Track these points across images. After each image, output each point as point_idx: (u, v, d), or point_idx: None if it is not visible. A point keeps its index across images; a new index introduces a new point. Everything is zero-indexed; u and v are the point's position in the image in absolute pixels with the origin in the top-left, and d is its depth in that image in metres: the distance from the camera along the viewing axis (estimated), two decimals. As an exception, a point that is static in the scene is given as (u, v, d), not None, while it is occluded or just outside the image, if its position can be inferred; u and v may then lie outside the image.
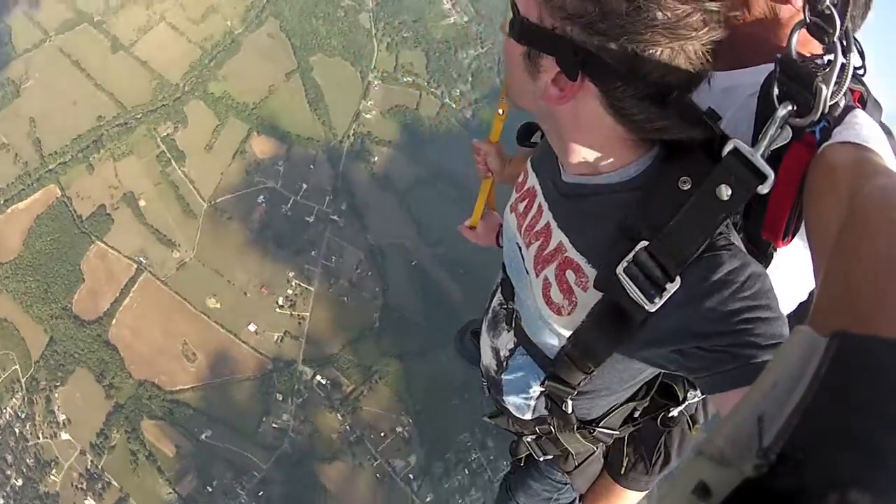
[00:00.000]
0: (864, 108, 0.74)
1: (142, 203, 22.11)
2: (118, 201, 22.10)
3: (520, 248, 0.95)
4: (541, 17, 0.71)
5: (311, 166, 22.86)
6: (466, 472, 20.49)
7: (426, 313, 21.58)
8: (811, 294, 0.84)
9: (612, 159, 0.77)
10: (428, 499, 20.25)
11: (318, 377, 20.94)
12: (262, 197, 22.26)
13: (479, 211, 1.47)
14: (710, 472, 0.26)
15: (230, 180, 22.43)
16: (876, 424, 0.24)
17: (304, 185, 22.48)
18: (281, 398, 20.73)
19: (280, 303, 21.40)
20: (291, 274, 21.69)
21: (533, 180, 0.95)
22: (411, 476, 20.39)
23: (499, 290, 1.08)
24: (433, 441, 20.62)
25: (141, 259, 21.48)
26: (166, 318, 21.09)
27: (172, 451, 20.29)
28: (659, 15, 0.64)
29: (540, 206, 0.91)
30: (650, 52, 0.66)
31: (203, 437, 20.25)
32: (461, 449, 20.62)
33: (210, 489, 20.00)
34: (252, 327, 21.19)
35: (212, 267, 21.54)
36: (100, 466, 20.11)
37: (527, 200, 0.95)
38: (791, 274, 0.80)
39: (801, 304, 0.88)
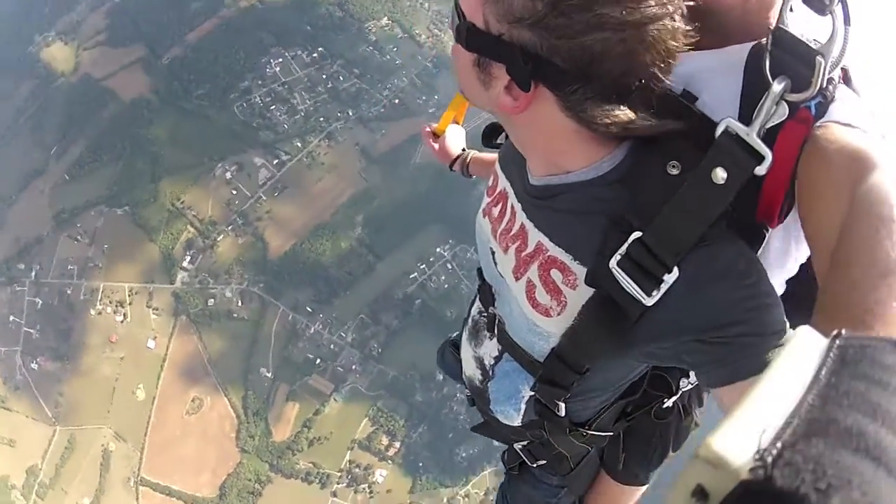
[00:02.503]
0: (848, 85, 0.74)
1: None
2: None
3: (493, 252, 0.94)
4: (487, 23, 0.68)
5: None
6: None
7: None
8: (798, 279, 0.85)
9: (580, 156, 0.74)
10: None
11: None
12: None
13: (446, 120, 1.43)
14: (708, 475, 0.26)
15: None
16: (874, 425, 0.25)
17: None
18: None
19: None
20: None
21: (503, 182, 0.93)
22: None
23: (477, 299, 1.07)
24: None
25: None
26: None
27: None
28: (611, 7, 0.60)
29: (513, 207, 0.88)
30: (605, 48, 0.62)
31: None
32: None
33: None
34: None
35: None
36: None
37: (500, 204, 0.93)
38: (776, 256, 0.82)
39: (787, 289, 0.86)
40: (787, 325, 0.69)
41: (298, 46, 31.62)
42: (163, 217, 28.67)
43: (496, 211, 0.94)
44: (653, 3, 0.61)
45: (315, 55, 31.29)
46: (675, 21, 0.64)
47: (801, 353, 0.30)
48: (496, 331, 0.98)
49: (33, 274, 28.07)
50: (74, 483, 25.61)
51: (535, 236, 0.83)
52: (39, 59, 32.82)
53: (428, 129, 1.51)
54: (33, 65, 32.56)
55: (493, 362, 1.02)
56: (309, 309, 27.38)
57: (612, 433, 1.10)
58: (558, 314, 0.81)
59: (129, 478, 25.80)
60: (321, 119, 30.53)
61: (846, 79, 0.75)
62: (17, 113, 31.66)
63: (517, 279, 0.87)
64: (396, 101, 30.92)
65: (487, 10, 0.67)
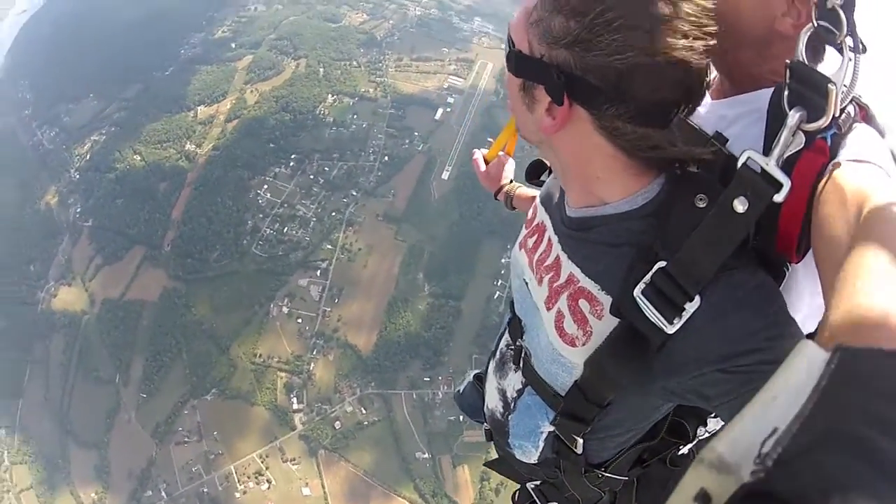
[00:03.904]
0: (870, 123, 0.78)
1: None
2: None
3: (527, 283, 1.00)
4: (531, 48, 0.75)
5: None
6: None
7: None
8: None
9: (616, 189, 0.80)
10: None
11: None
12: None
13: (497, 147, 1.49)
14: (710, 479, 0.28)
15: None
16: (875, 430, 0.26)
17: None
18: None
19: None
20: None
21: (542, 215, 1.00)
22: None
23: (506, 332, 1.12)
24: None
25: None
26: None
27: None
28: (640, 30, 0.67)
29: (549, 240, 0.94)
30: (636, 68, 0.68)
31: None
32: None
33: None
34: None
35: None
36: None
37: (536, 236, 0.99)
38: (802, 295, 0.83)
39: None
40: None
41: (273, 165, 33.37)
42: (250, 379, 29.73)
43: (531, 242, 1.00)
44: (679, 37, 0.67)
45: (292, 164, 33.08)
46: (700, 43, 0.69)
47: (802, 364, 0.32)
48: (521, 363, 1.02)
49: (163, 493, 29.01)
50: None
51: (569, 267, 0.88)
52: (54, 312, 34.40)
53: (477, 157, 1.56)
54: (51, 319, 34.14)
55: (515, 395, 1.06)
56: (426, 378, 28.20)
57: (626, 478, 1.11)
58: (583, 344, 0.84)
59: None
60: (333, 214, 31.99)
61: (867, 117, 0.79)
62: (63, 369, 33.08)
63: (548, 309, 0.91)
64: (386, 158, 32.52)
65: (531, 34, 0.75)
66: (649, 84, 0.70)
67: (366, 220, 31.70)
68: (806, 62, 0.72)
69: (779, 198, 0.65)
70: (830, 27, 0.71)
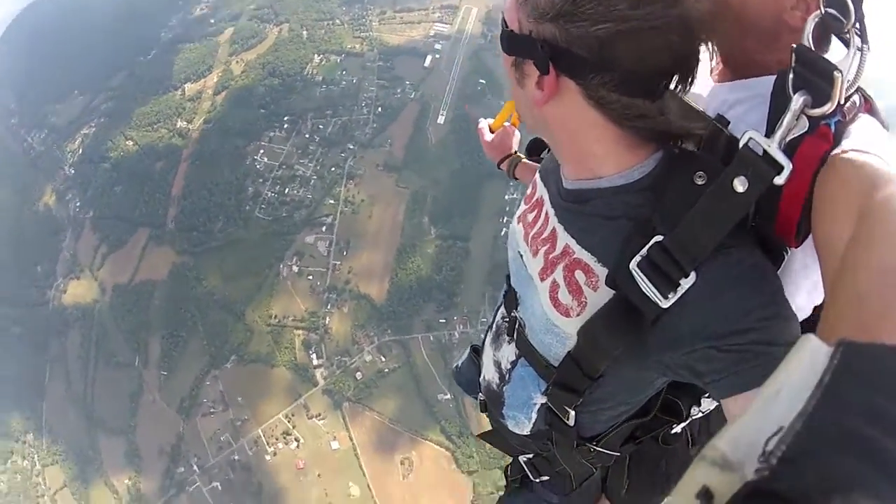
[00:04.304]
0: (874, 115, 0.79)
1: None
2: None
3: (522, 256, 1.04)
4: (520, 26, 0.79)
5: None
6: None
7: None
8: (815, 309, 0.90)
9: (611, 162, 0.82)
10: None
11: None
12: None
13: (502, 117, 1.52)
14: (713, 477, 0.28)
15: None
16: (878, 428, 0.26)
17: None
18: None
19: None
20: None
21: (541, 191, 1.02)
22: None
23: (502, 305, 1.15)
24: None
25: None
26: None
27: None
28: (620, 1, 0.69)
29: (547, 213, 0.97)
30: (617, 36, 0.71)
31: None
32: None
33: None
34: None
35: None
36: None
37: (535, 211, 1.02)
38: (802, 279, 0.86)
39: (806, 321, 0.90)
40: None
41: (267, 130, 33.70)
42: (268, 341, 30.44)
43: (531, 217, 1.03)
44: (658, 5, 0.69)
45: (286, 126, 33.40)
46: (680, 22, 0.71)
47: (805, 359, 0.32)
48: (515, 335, 1.06)
49: (195, 466, 30.08)
50: None
51: (565, 239, 0.91)
52: (66, 307, 35.30)
53: (482, 126, 1.57)
54: (64, 315, 35.06)
55: (509, 366, 1.10)
56: (442, 320, 28.82)
57: (618, 454, 1.14)
58: (578, 314, 0.87)
59: (389, 570, 27.26)
60: (333, 169, 32.38)
61: (871, 110, 0.81)
62: (82, 361, 34.11)
63: (542, 280, 0.94)
64: (379, 109, 32.75)
65: (521, 13, 0.79)
66: (632, 52, 0.72)
67: (366, 172, 32.02)
68: (812, 48, 0.73)
69: (779, 180, 0.66)
70: (838, 15, 0.73)
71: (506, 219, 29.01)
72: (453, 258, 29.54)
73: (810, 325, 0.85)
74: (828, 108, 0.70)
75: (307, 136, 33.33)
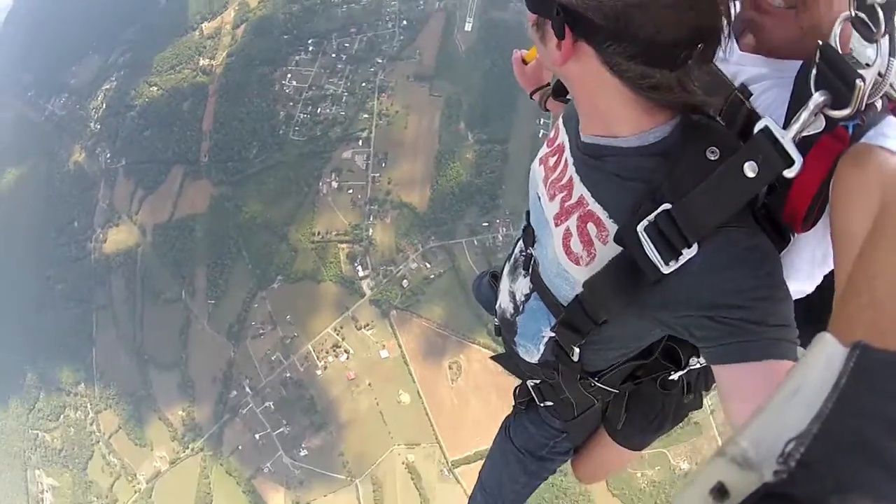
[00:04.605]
0: None
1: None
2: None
3: (540, 198, 1.10)
4: None
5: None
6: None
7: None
8: (817, 290, 0.95)
9: (626, 123, 0.87)
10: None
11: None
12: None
13: (536, 50, 1.56)
14: (731, 474, 0.29)
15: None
16: (892, 437, 0.28)
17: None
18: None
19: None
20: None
21: (563, 136, 1.07)
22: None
23: (521, 239, 1.23)
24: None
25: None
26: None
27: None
28: None
29: (566, 160, 1.03)
30: (630, 9, 0.74)
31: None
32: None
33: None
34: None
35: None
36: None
37: (556, 156, 1.07)
38: (804, 262, 0.90)
39: (805, 299, 0.95)
40: (794, 323, 0.81)
41: (292, 55, 34.20)
42: (313, 258, 31.80)
43: (552, 161, 1.09)
44: None
45: (311, 48, 33.85)
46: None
47: (822, 358, 0.34)
48: (531, 270, 1.14)
49: (247, 388, 31.97)
50: (398, 510, 28.61)
51: (580, 190, 0.97)
52: (108, 255, 36.86)
53: (516, 56, 1.58)
54: (107, 264, 36.72)
55: (523, 299, 1.19)
56: (485, 224, 29.64)
57: (617, 392, 1.24)
58: (586, 264, 0.95)
59: (441, 471, 28.78)
60: (363, 84, 32.95)
61: None
62: (129, 304, 35.93)
63: (557, 225, 1.02)
64: (404, 22, 32.98)
65: None
66: (648, 25, 0.75)
67: (397, 84, 32.43)
68: (839, 49, 0.76)
69: (789, 174, 0.71)
70: (868, 21, 0.74)
71: (542, 120, 29.38)
72: (492, 161, 30.12)
73: (812, 304, 0.93)
74: (846, 112, 0.74)
75: (333, 55, 33.69)
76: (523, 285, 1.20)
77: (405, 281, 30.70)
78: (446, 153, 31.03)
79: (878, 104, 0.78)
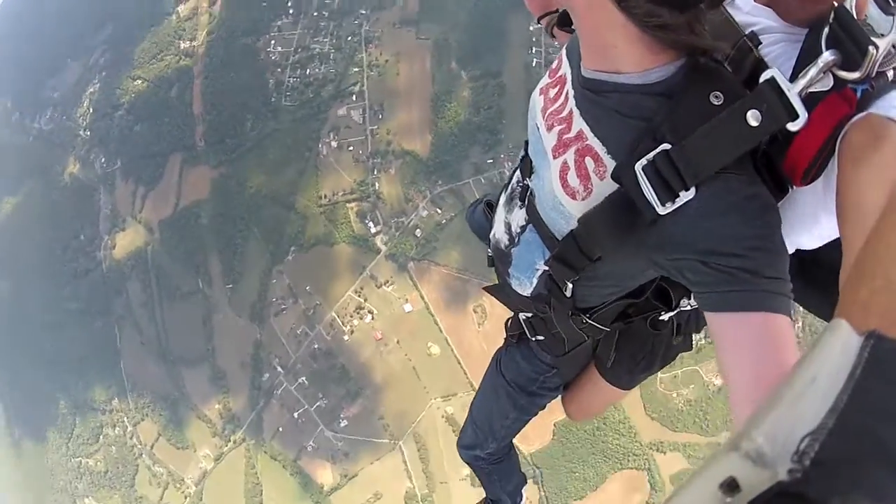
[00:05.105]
0: None
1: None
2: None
3: (538, 128, 1.10)
4: None
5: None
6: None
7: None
8: (817, 263, 0.98)
9: (630, 59, 0.87)
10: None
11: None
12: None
13: None
14: (745, 470, 0.30)
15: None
16: None
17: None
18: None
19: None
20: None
21: (565, 67, 1.07)
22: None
23: (518, 169, 1.24)
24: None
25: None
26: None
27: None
28: None
29: (567, 93, 1.03)
30: None
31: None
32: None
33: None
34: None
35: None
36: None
37: (557, 87, 1.08)
38: (802, 218, 0.92)
39: (797, 254, 0.98)
40: (788, 277, 0.82)
41: (274, 20, 34.63)
42: (323, 222, 32.53)
43: (553, 92, 1.09)
44: None
45: (291, 11, 34.24)
46: None
47: (837, 346, 0.34)
48: (527, 202, 1.16)
49: (278, 368, 32.90)
50: (444, 466, 29.44)
51: (580, 124, 0.98)
52: (119, 261, 37.67)
53: None
54: (120, 270, 37.53)
55: (519, 230, 1.21)
56: (489, 161, 30.09)
57: (608, 330, 1.27)
58: (583, 199, 0.96)
59: (482, 417, 29.84)
60: (349, 38, 33.33)
61: None
62: (147, 307, 36.75)
63: (554, 157, 1.03)
64: None
65: None
66: None
67: (384, 33, 32.68)
68: (854, 14, 0.77)
69: (793, 127, 0.73)
70: None
71: (535, 49, 29.49)
72: (489, 96, 30.35)
73: (804, 260, 0.97)
74: (856, 75, 0.76)
75: (315, 14, 34.02)
76: (519, 217, 1.22)
77: (418, 230, 31.27)
78: (442, 95, 31.27)
79: (890, 74, 0.80)
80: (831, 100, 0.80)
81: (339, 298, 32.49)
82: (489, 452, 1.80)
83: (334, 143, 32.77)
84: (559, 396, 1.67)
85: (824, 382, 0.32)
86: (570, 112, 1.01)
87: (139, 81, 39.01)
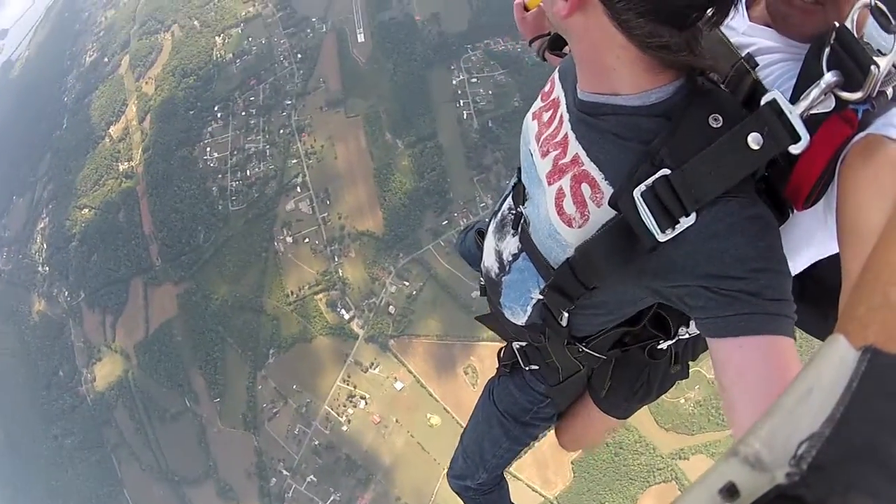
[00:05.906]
0: None
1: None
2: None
3: (532, 154, 1.09)
4: None
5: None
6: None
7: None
8: (813, 266, 0.98)
9: (629, 80, 0.87)
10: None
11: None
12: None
13: None
14: (743, 475, 0.31)
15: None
16: None
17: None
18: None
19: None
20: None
21: (558, 91, 1.07)
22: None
23: (510, 195, 1.22)
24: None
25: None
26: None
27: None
28: None
29: (562, 116, 1.02)
30: None
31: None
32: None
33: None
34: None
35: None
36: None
37: (551, 111, 1.07)
38: (801, 240, 0.92)
39: (800, 276, 0.98)
40: (791, 298, 0.82)
41: (204, 127, 35.45)
42: (295, 319, 32.42)
43: (546, 116, 1.09)
44: None
45: (220, 115, 35.20)
46: None
47: (834, 360, 0.35)
48: (520, 230, 1.15)
49: (284, 471, 32.17)
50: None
51: (575, 148, 0.98)
52: (102, 392, 37.07)
53: (519, 2, 1.58)
54: (105, 400, 36.86)
55: (511, 259, 1.20)
56: (444, 222, 30.43)
57: (604, 358, 1.27)
58: (579, 226, 0.96)
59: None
60: (281, 132, 34.11)
61: None
62: (140, 433, 36.08)
63: (549, 184, 1.02)
64: (299, 56, 34.54)
65: None
66: None
67: (313, 118, 33.55)
68: (854, 33, 0.78)
69: (795, 150, 0.73)
70: (887, 12, 0.75)
71: (461, 101, 30.39)
72: (430, 159, 31.03)
73: (806, 282, 0.99)
74: (858, 95, 0.76)
75: (243, 113, 34.94)
76: (511, 245, 1.20)
77: (391, 307, 31.33)
78: (383, 168, 31.86)
79: (889, 92, 0.80)
80: (833, 121, 0.81)
81: (328, 391, 32.25)
82: (479, 483, 1.78)
83: (290, 239, 33.06)
84: (552, 427, 1.67)
85: (821, 394, 0.33)
86: (566, 136, 1.01)
87: (86, 210, 39.35)
